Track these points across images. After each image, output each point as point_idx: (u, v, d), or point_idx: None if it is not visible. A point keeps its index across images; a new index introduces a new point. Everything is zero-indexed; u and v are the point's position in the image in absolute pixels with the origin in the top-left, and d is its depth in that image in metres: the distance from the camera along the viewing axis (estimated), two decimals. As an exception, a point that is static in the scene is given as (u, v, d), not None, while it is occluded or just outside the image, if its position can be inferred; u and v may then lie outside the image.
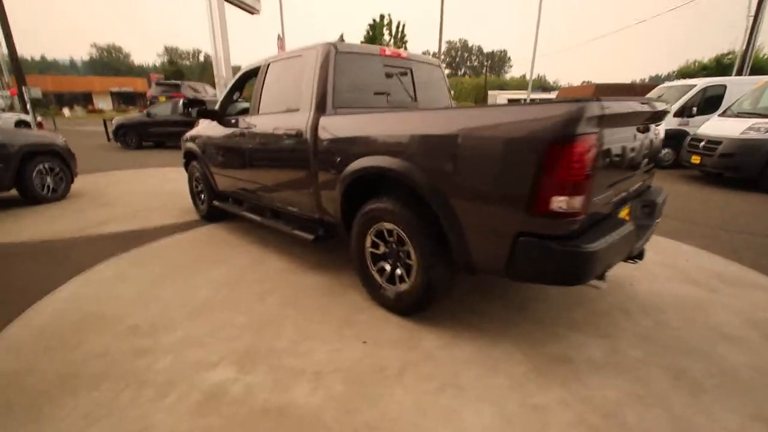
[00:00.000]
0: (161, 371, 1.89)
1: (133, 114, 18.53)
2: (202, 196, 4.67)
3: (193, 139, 4.48)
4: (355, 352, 2.04)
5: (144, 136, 11.10)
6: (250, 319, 2.37)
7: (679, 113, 8.54)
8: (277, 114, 3.14)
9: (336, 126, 2.56)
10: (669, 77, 53.73)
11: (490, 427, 1.54)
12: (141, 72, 72.48)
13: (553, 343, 2.12)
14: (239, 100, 4.25)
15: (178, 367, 1.93)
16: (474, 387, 1.78)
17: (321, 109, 2.69)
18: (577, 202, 1.60)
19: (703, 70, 32.40)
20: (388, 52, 3.14)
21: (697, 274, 3.01)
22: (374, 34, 32.46)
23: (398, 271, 2.37)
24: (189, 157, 4.72)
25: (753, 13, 15.02)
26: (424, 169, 2.00)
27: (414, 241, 2.18)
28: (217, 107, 3.97)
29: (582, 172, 1.56)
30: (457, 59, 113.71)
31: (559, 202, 1.60)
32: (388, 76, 3.14)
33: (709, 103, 8.75)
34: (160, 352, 2.05)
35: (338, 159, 2.49)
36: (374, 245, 2.48)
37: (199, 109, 4.00)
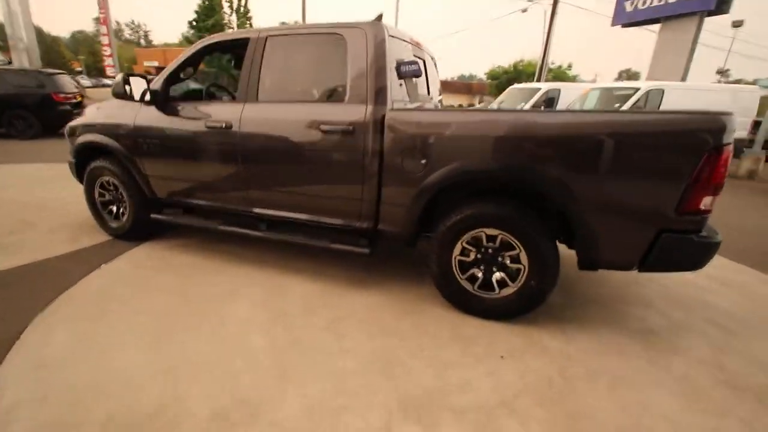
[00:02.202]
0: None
1: None
2: (115, 208, 3.42)
3: (99, 128, 3.19)
4: (509, 371, 1.90)
5: None
6: (356, 361, 1.92)
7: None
8: (299, 104, 2.54)
9: (421, 123, 2.23)
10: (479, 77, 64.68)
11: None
12: None
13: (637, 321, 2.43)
14: (190, 79, 3.21)
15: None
16: (649, 372, 1.91)
17: (381, 101, 2.31)
18: (713, 201, 1.87)
19: (505, 74, 40.51)
20: (414, 41, 2.89)
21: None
22: (211, 4, 28.72)
23: (496, 277, 2.29)
24: (87, 154, 3.36)
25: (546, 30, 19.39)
26: (557, 172, 1.97)
27: (527, 245, 2.14)
28: (155, 86, 2.91)
29: (724, 176, 1.83)
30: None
31: (705, 202, 1.84)
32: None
33: (548, 104, 11.07)
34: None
35: (422, 161, 2.21)
36: (463, 253, 2.33)
37: (118, 88, 2.82)
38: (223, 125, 2.65)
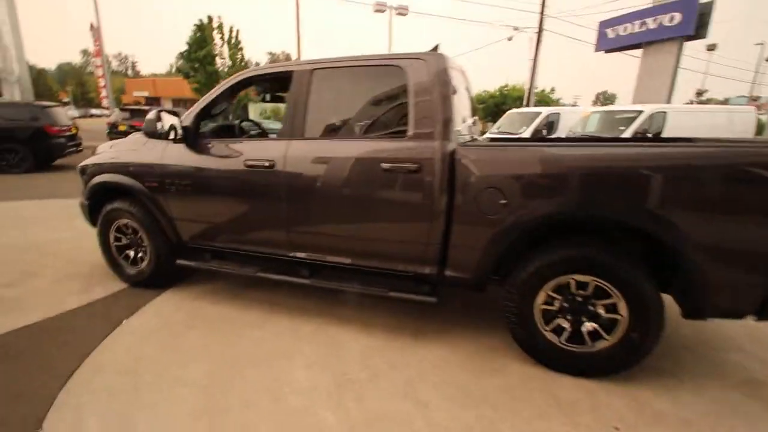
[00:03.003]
0: None
1: None
2: (133, 253, 3.10)
3: (118, 168, 2.91)
4: (633, 447, 1.63)
5: None
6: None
7: (533, 135, 10.56)
8: (353, 140, 2.33)
9: (499, 159, 2.03)
10: (464, 102, 66.09)
11: None
12: None
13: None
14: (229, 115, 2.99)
15: None
16: None
17: (448, 136, 2.11)
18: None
19: (491, 98, 41.59)
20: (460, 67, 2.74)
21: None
22: (202, 36, 29.04)
23: (587, 328, 2.04)
24: (104, 195, 3.06)
25: (532, 57, 19.94)
26: (669, 210, 1.77)
27: (628, 293, 1.91)
28: (185, 122, 2.67)
29: None
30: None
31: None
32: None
33: (549, 128, 11.17)
34: None
35: (501, 201, 1.99)
36: (547, 301, 2.08)
37: (149, 125, 2.56)
38: (266, 164, 2.41)
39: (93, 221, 3.21)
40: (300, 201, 2.40)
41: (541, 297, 2.07)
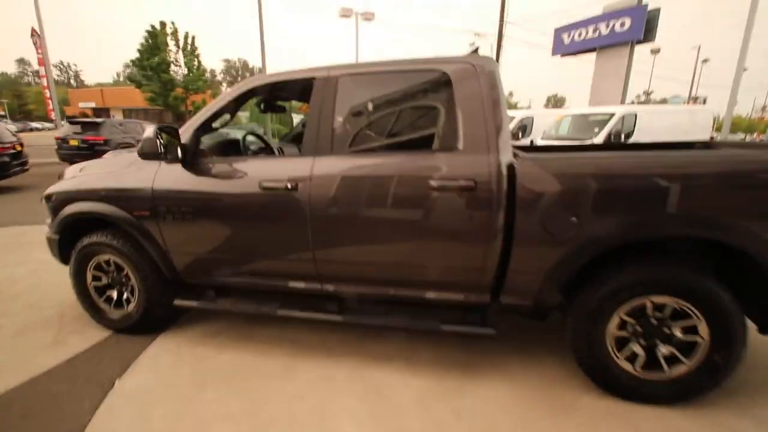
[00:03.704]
0: None
1: None
2: (116, 293, 2.65)
3: (95, 195, 2.45)
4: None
5: None
6: None
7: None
8: (393, 156, 2.05)
9: (569, 171, 1.81)
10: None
11: None
12: None
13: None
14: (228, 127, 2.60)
15: None
16: None
17: (505, 147, 1.89)
18: None
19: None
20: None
21: None
22: (155, 42, 27.60)
23: (662, 352, 1.87)
24: (78, 228, 2.59)
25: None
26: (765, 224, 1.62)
27: (712, 314, 1.75)
28: (183, 139, 2.28)
29: None
30: (238, 78, 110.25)
31: None
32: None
33: (522, 130, 11.36)
34: None
35: (572, 218, 1.78)
36: (621, 326, 1.89)
37: (146, 144, 2.14)
38: (287, 185, 2.07)
39: (64, 258, 2.71)
40: (330, 226, 2.08)
41: (614, 322, 1.88)
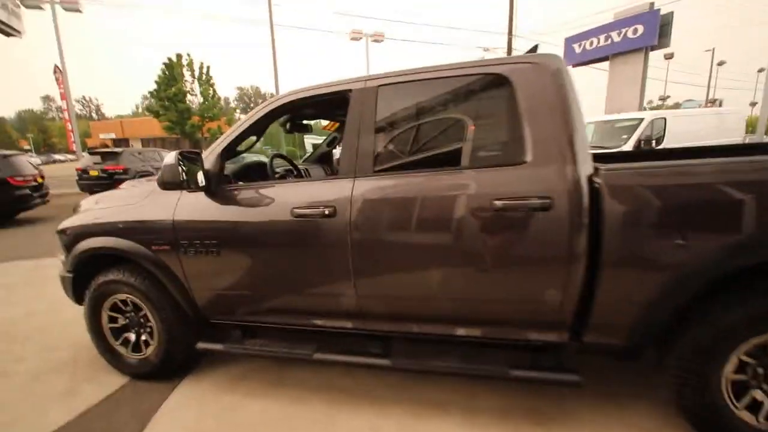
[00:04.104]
0: None
1: None
2: (134, 335, 2.40)
3: (112, 229, 2.24)
4: None
5: None
6: None
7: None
8: (447, 173, 1.76)
9: (669, 184, 1.50)
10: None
11: None
12: None
13: None
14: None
15: None
16: None
17: (583, 157, 1.60)
18: None
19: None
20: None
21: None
22: (171, 74, 28.50)
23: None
24: (93, 265, 2.37)
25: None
26: None
27: None
28: (206, 165, 2.06)
29: None
30: (252, 105, 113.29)
31: None
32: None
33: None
34: None
35: (678, 239, 1.46)
36: (740, 368, 1.54)
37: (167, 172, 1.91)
38: (324, 211, 1.81)
39: (78, 298, 2.49)
40: (375, 256, 1.80)
41: (731, 364, 1.53)
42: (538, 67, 1.66)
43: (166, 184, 1.90)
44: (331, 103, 2.09)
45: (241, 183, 2.13)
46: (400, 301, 1.84)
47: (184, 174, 1.86)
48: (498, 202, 1.61)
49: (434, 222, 1.71)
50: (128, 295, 2.31)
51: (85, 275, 2.41)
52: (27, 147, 48.46)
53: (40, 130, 54.25)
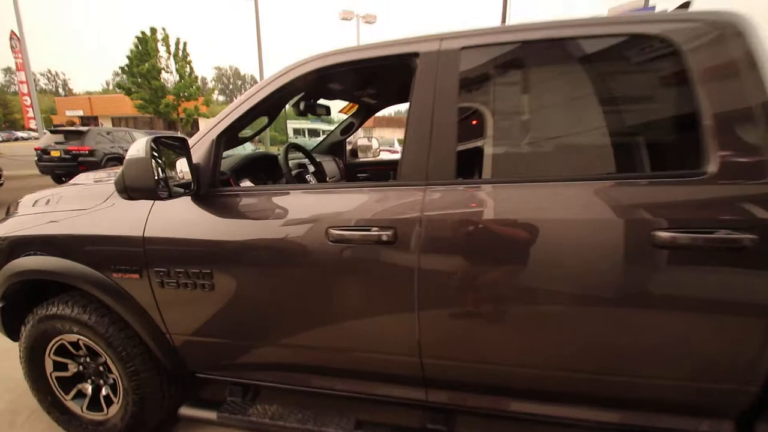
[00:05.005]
0: None
1: None
2: (91, 387, 1.75)
3: (57, 243, 1.55)
4: None
5: None
6: None
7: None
8: (572, 186, 1.16)
9: None
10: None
11: None
12: None
13: None
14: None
15: None
16: None
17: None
18: None
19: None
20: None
21: None
22: (145, 48, 26.73)
23: None
24: (32, 292, 1.69)
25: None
26: None
27: None
28: (197, 158, 1.40)
29: None
30: (230, 86, 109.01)
31: None
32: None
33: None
34: None
35: None
36: None
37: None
38: (379, 236, 1.20)
39: (13, 333, 1.80)
40: (457, 302, 1.21)
41: None
42: (715, 28, 1.08)
43: (132, 191, 1.21)
44: (381, 74, 1.47)
45: (246, 185, 1.48)
46: (494, 366, 1.26)
47: (159, 171, 1.19)
48: (662, 233, 1.03)
49: (549, 256, 1.13)
50: (80, 337, 1.64)
51: (21, 305, 1.74)
52: (-15, 122, 45.12)
53: (0, 105, 50.51)
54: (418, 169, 1.23)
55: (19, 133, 43.56)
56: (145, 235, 1.42)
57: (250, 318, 1.44)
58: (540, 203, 1.14)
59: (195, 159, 1.40)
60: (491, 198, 1.19)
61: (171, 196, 1.23)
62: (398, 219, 1.21)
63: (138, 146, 1.13)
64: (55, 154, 9.42)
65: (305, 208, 1.32)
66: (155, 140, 1.17)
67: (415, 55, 1.28)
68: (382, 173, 2.99)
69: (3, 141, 33.76)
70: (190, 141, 1.43)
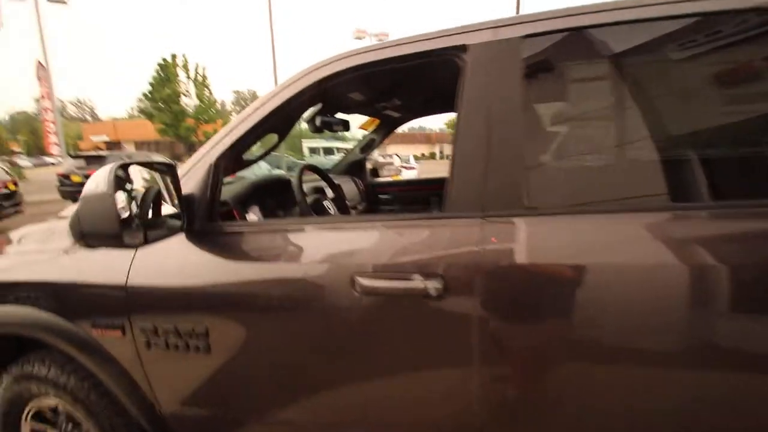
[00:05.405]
0: None
1: None
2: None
3: (30, 292, 1.29)
4: None
5: None
6: None
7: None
8: (694, 217, 0.84)
9: None
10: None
11: None
12: None
13: None
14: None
15: None
16: None
17: None
18: None
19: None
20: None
21: None
22: (166, 74, 27.68)
23: None
24: (3, 348, 1.44)
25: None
26: None
27: None
28: (189, 187, 1.13)
29: None
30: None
31: None
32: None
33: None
34: None
35: None
36: None
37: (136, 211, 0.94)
38: (424, 287, 0.89)
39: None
40: (533, 373, 0.89)
41: None
42: None
43: (91, 238, 0.92)
44: (410, 79, 1.18)
45: (253, 216, 1.20)
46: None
47: (134, 205, 0.91)
48: None
49: (667, 311, 0.80)
50: (58, 401, 1.37)
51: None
52: (18, 149, 47.36)
53: (31, 132, 53.06)
54: (472, 196, 0.92)
55: (49, 159, 45.47)
56: (128, 284, 1.15)
57: (253, 388, 1.13)
58: (628, 237, 0.81)
59: (189, 188, 1.13)
60: (575, 234, 0.86)
61: (147, 241, 0.95)
62: (447, 264, 0.89)
63: (97, 178, 0.85)
64: (75, 179, 9.50)
65: (324, 250, 1.03)
66: (123, 167, 0.90)
67: (462, 48, 0.99)
68: (408, 196, 2.68)
69: (33, 167, 35.22)
70: (183, 167, 1.16)
